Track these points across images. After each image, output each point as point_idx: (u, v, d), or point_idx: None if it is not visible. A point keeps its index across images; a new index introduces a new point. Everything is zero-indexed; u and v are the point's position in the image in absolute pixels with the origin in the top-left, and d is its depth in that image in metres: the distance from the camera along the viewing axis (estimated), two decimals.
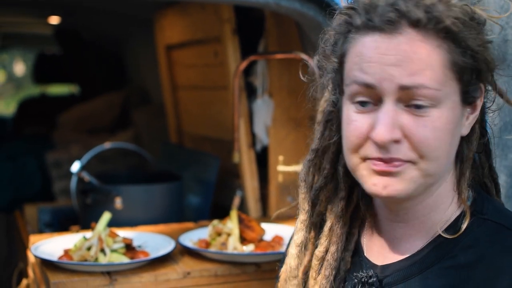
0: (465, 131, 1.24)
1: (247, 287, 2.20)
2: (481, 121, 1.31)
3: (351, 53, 1.21)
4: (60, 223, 3.54)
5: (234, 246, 2.28)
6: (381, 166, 1.17)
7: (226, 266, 2.19)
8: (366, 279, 1.29)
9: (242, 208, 3.04)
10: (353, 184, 1.36)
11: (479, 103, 1.25)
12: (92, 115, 6.40)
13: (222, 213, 3.11)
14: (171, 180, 3.12)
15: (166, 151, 3.93)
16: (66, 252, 2.19)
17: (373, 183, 1.19)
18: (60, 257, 2.15)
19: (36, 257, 2.17)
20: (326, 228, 1.37)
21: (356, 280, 1.30)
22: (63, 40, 6.71)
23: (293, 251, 1.38)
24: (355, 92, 1.19)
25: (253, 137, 3.02)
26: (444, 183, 1.26)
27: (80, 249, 2.16)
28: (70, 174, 5.66)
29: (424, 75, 1.13)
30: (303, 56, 2.52)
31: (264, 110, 2.92)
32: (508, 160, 1.87)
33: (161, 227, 2.74)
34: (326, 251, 1.36)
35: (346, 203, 1.37)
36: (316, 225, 1.39)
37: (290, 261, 1.39)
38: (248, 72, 2.99)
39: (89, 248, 2.16)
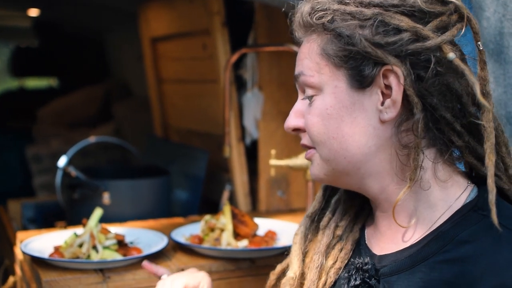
0: (385, 116, 1.22)
1: (242, 283, 2.17)
2: (426, 105, 1.23)
3: None
4: (43, 219, 3.49)
5: (228, 241, 2.24)
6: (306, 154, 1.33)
7: (220, 262, 2.16)
8: (361, 266, 1.29)
9: (232, 202, 3.00)
10: None
11: (395, 86, 1.20)
12: (72, 108, 6.32)
13: (210, 208, 3.08)
14: (159, 174, 3.07)
15: (151, 144, 3.88)
16: (57, 249, 2.14)
17: None
18: (51, 254, 2.10)
19: (26, 254, 2.12)
20: (332, 200, 1.44)
21: (352, 266, 1.30)
22: (43, 32, 6.62)
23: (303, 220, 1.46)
24: None
25: (242, 130, 2.99)
26: (383, 167, 1.25)
27: (72, 246, 2.11)
28: (50, 168, 5.61)
29: (302, 64, 1.28)
30: (296, 48, 2.49)
31: (254, 104, 2.89)
32: None
33: (151, 222, 2.70)
34: (329, 220, 1.41)
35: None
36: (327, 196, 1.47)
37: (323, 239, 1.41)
38: (238, 65, 2.96)
39: (80, 245, 2.11)
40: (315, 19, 1.25)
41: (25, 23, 6.58)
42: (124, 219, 2.72)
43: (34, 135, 5.93)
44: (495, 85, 1.93)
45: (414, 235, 1.26)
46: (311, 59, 1.26)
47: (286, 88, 2.93)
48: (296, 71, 1.29)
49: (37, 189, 5.46)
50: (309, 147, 1.30)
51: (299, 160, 2.42)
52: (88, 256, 2.09)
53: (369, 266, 1.28)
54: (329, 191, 1.45)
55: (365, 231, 1.38)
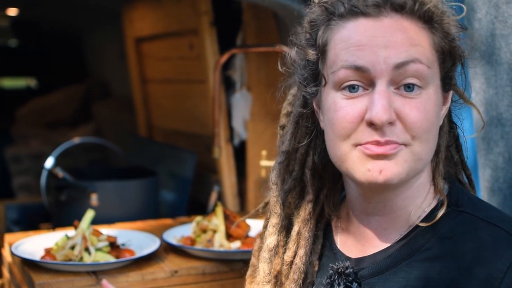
0: (440, 121, 1.24)
1: (235, 284, 2.16)
2: (449, 114, 1.32)
3: (335, 39, 1.19)
4: (27, 221, 3.45)
5: (220, 243, 2.23)
6: (377, 149, 1.15)
7: (213, 264, 2.15)
8: (342, 270, 1.26)
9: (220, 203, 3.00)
10: (320, 187, 1.38)
11: (450, 95, 1.26)
12: (51, 108, 6.28)
13: (198, 209, 3.07)
14: (146, 175, 3.05)
15: (136, 145, 3.85)
16: (48, 252, 2.12)
17: (368, 168, 1.16)
18: (43, 257, 2.08)
19: (17, 257, 2.09)
20: (293, 233, 1.36)
21: (332, 271, 1.28)
22: (21, 32, 6.55)
23: (266, 255, 1.35)
24: (344, 78, 1.17)
25: (230, 131, 2.98)
26: (423, 175, 1.25)
27: (63, 248, 2.09)
28: (30, 169, 5.53)
29: (417, 51, 1.14)
30: (286, 49, 2.48)
31: (242, 104, 2.88)
32: (493, 154, 1.87)
33: (139, 224, 2.68)
34: (295, 255, 1.35)
35: (313, 206, 1.37)
36: (285, 228, 1.39)
37: (264, 266, 1.35)
38: (226, 65, 2.94)
39: (72, 247, 2.09)
40: (419, 5, 1.16)
41: (3, 22, 6.50)
42: (111, 220, 2.70)
43: (13, 135, 5.87)
44: (486, 86, 1.94)
45: (392, 236, 1.26)
46: (425, 49, 1.16)
47: (274, 88, 2.92)
48: (406, 57, 1.14)
49: (16, 190, 5.41)
50: (397, 143, 1.16)
51: None
52: (81, 259, 2.06)
53: (350, 270, 1.26)
54: (283, 222, 1.37)
55: (336, 238, 1.36)
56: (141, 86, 3.93)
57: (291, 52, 1.30)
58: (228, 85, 3.00)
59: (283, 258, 1.36)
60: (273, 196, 1.36)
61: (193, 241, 2.28)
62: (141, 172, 3.13)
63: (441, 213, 1.20)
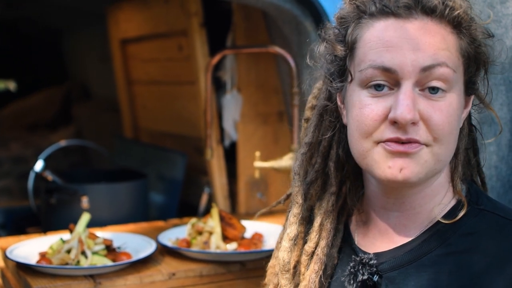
0: (460, 124, 1.26)
1: (233, 286, 2.15)
2: (469, 117, 1.35)
3: (365, 38, 1.21)
4: (13, 225, 3.41)
5: (217, 244, 2.22)
6: (398, 147, 1.17)
7: (210, 266, 2.14)
8: (367, 260, 1.28)
9: (209, 205, 2.98)
10: (343, 180, 1.39)
11: (471, 99, 1.29)
12: (31, 111, 6.21)
13: (188, 211, 3.05)
14: (135, 177, 3.03)
15: (121, 147, 3.82)
16: (43, 256, 2.09)
17: (388, 165, 1.19)
18: (39, 261, 2.05)
19: (12, 261, 2.06)
20: (316, 224, 1.37)
21: (353, 263, 1.29)
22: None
23: (286, 244, 1.37)
24: (371, 77, 1.19)
25: (221, 132, 2.97)
26: (442, 174, 1.27)
27: (59, 252, 2.06)
28: (10, 172, 5.46)
29: (444, 55, 1.17)
30: (279, 50, 2.49)
31: (233, 105, 2.87)
32: (487, 153, 1.89)
33: (131, 226, 2.66)
34: (316, 246, 1.36)
35: (336, 199, 1.38)
36: (306, 220, 1.40)
37: (284, 255, 1.36)
38: (216, 66, 2.93)
39: (68, 251, 2.07)
40: (449, 10, 1.18)
41: None
42: (102, 223, 2.67)
43: None
44: (480, 86, 1.96)
45: (411, 233, 1.27)
46: (452, 54, 1.19)
47: (263, 90, 2.92)
48: (433, 61, 1.16)
49: None
50: (419, 143, 1.18)
51: (284, 162, 2.42)
52: (77, 262, 2.04)
53: (374, 261, 1.27)
54: (304, 213, 1.39)
55: (354, 233, 1.38)
56: (126, 87, 3.90)
57: (320, 46, 1.32)
58: (218, 86, 2.99)
59: (303, 248, 1.37)
60: (295, 186, 1.38)
61: (188, 243, 2.26)
62: (129, 174, 3.10)
63: (463, 212, 1.23)
